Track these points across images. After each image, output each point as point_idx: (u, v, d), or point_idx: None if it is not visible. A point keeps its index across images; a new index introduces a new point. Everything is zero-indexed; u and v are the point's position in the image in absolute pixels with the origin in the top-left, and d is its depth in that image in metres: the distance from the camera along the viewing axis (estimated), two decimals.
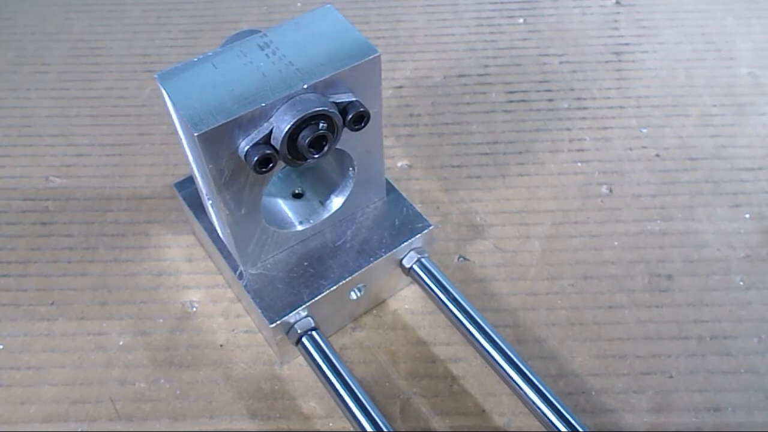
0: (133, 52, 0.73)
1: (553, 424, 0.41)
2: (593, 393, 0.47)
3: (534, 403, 0.42)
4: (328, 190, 0.49)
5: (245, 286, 0.46)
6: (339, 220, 0.49)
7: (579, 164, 0.60)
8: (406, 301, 0.52)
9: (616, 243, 0.55)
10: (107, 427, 0.46)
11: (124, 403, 0.47)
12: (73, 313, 0.51)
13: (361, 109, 0.40)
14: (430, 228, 0.49)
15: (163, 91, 0.39)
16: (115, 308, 0.51)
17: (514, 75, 0.69)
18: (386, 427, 0.41)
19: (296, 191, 0.50)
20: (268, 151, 0.38)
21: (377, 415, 0.42)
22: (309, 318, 0.46)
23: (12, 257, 0.55)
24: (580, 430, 0.41)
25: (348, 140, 0.43)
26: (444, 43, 0.72)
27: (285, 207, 0.49)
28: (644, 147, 0.62)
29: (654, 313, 0.51)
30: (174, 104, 0.38)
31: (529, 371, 0.43)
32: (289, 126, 0.38)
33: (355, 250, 0.48)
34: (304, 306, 0.45)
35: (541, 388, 0.43)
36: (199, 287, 0.52)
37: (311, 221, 0.48)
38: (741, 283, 0.52)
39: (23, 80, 0.70)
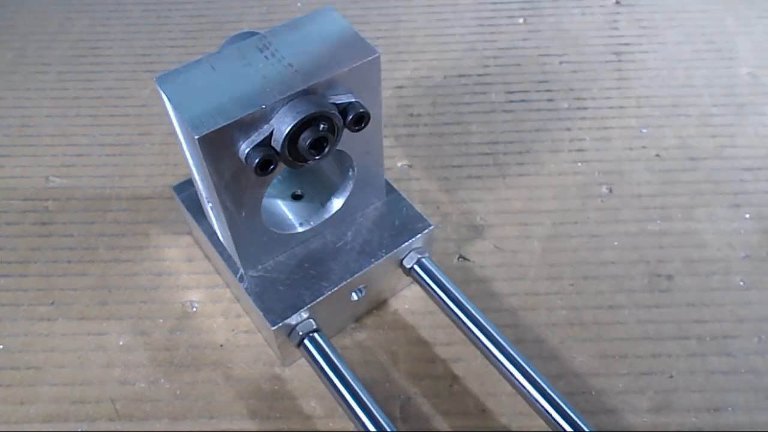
0: (133, 52, 0.73)
1: (557, 423, 0.41)
2: (593, 393, 0.47)
3: (537, 401, 0.42)
4: (328, 191, 0.49)
5: (246, 288, 0.46)
6: (339, 221, 0.49)
7: (579, 164, 0.60)
8: (407, 301, 0.52)
9: (616, 243, 0.55)
10: (107, 427, 0.46)
11: (124, 403, 0.47)
12: (73, 313, 0.51)
13: (361, 110, 0.40)
14: (431, 228, 0.49)
15: (163, 95, 0.39)
16: (115, 308, 0.51)
17: (514, 75, 0.69)
18: (387, 427, 0.41)
19: (296, 193, 0.50)
20: (269, 153, 0.38)
21: (379, 415, 0.42)
22: (311, 320, 0.46)
23: (12, 257, 0.55)
24: (585, 429, 0.41)
25: (348, 141, 0.43)
26: (444, 43, 0.72)
27: (285, 209, 0.49)
28: (644, 147, 0.62)
29: (654, 313, 0.51)
30: (174, 107, 0.38)
31: (532, 370, 0.43)
32: (289, 127, 0.38)
33: (356, 251, 0.48)
34: (305, 308, 0.45)
35: (545, 387, 0.43)
36: (199, 287, 0.52)
37: (311, 222, 0.48)
38: (741, 283, 0.52)
39: (23, 80, 0.70)
